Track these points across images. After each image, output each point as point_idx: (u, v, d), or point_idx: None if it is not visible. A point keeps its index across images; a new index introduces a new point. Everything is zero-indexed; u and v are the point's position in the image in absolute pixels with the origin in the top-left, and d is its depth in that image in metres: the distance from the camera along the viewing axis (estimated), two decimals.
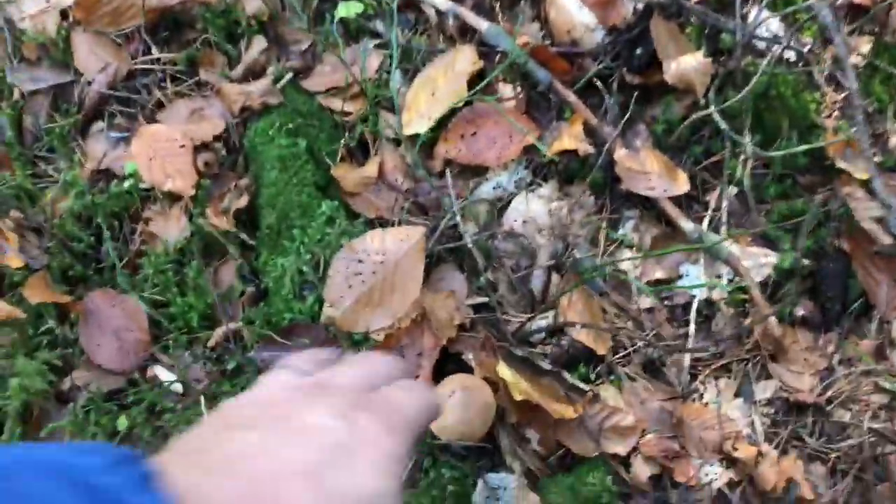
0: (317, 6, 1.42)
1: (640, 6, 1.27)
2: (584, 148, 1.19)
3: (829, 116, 1.32)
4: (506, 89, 1.34)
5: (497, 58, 1.33)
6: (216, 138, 1.26)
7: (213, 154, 1.24)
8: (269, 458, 0.40)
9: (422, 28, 1.39)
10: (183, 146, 1.24)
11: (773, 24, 1.38)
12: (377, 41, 1.42)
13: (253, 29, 1.38)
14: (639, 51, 1.28)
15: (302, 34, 1.41)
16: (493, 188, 1.25)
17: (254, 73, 1.36)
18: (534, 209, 1.23)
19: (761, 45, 1.30)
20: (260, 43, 1.35)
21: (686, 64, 1.25)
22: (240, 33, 1.39)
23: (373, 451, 0.42)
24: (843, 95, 1.33)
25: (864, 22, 1.41)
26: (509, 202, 1.25)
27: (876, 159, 1.28)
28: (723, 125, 1.19)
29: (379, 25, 1.43)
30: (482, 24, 1.29)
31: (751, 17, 1.35)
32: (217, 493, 0.37)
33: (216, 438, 0.42)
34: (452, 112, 1.25)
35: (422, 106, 1.30)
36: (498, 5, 1.41)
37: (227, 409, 0.47)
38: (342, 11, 1.26)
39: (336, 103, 1.31)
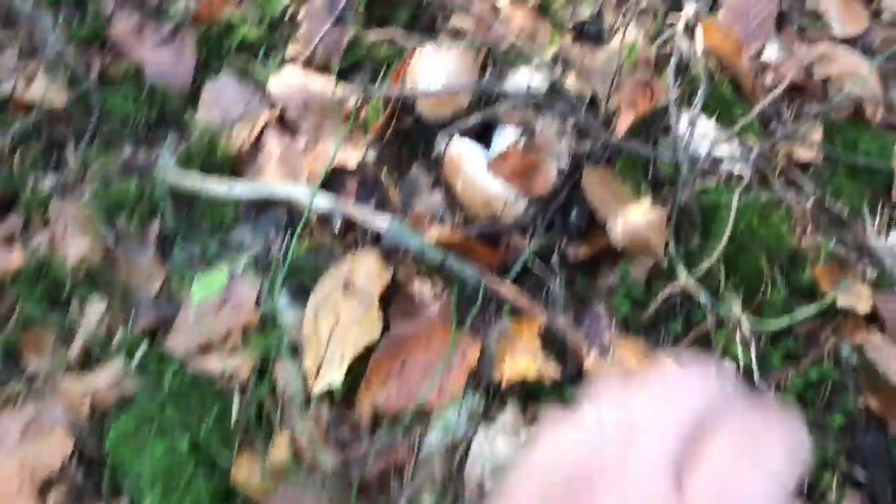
0: (160, 230, 1.15)
1: (564, 164, 1.05)
2: (548, 371, 0.97)
3: (805, 231, 1.15)
4: (424, 290, 1.10)
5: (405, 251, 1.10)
6: (65, 464, 0.96)
7: (66, 487, 0.95)
8: None
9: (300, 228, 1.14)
10: (21, 487, 0.94)
11: (708, 130, 1.20)
12: (247, 255, 1.15)
13: (84, 287, 1.09)
14: (574, 214, 1.07)
15: (149, 271, 1.13)
16: (442, 435, 1.01)
17: (98, 345, 1.07)
18: (501, 450, 0.99)
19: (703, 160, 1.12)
20: (97, 305, 1.07)
21: (634, 219, 1.05)
22: (67, 295, 1.10)
23: None
24: (810, 202, 1.16)
25: (806, 103, 1.25)
26: (467, 448, 1.01)
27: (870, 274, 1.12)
28: (702, 298, 0.99)
29: (245, 235, 1.16)
30: (381, 223, 1.06)
31: (682, 128, 1.17)
32: None
33: None
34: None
35: (326, 345, 1.04)
36: (386, 182, 1.17)
37: None
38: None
39: (213, 364, 1.05)
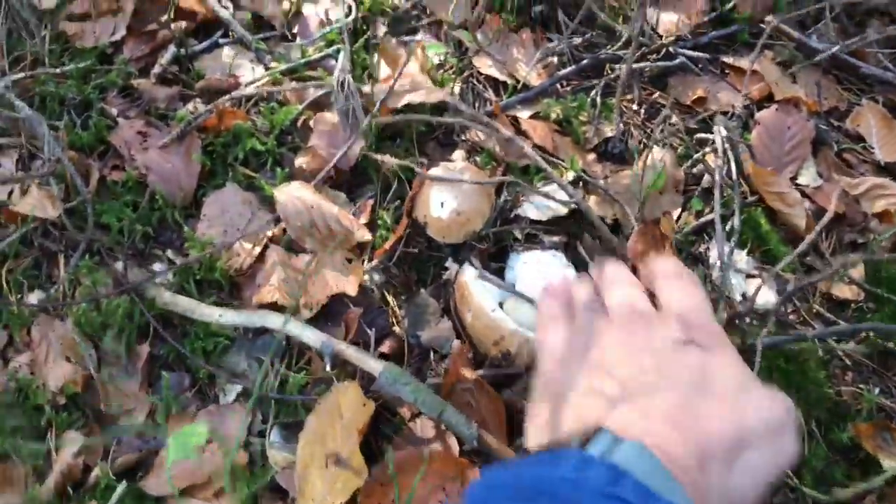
0: (149, 354, 1.11)
1: None
2: None
3: (846, 376, 1.09)
4: (426, 428, 1.05)
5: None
6: None
7: None
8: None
9: (294, 358, 1.11)
10: None
11: (740, 261, 1.15)
12: (238, 386, 1.11)
13: (64, 416, 1.05)
14: None
15: (135, 399, 1.09)
16: None
17: (73, 481, 1.03)
18: None
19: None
20: (74, 442, 1.02)
21: None
22: (45, 425, 1.06)
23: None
24: (850, 346, 1.10)
25: (845, 232, 1.20)
26: None
27: None
28: None
29: (239, 361, 1.12)
30: (374, 366, 1.02)
31: (713, 259, 1.13)
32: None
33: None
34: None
35: (319, 488, 0.99)
36: (392, 300, 1.14)
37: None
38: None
39: None
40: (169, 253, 1.22)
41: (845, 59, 1.35)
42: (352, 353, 1.04)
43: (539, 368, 0.72)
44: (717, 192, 1.10)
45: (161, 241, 1.24)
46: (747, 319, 1.04)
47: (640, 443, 0.54)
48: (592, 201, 1.21)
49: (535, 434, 0.66)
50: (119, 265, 1.16)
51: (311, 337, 1.06)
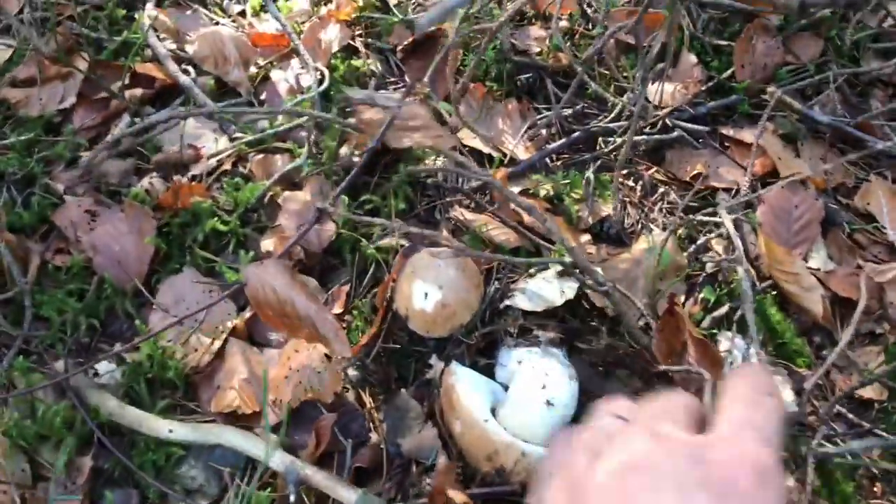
0: (91, 472, 0.98)
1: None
2: None
3: (874, 487, 0.99)
4: None
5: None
6: None
7: None
8: None
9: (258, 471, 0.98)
10: None
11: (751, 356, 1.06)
12: None
13: None
14: None
15: None
16: None
17: None
18: None
19: None
20: None
21: None
22: None
23: None
24: (875, 453, 1.00)
25: (861, 322, 1.11)
26: None
27: None
28: None
29: (196, 475, 0.99)
30: (347, 495, 0.90)
31: (722, 350, 1.03)
32: None
33: None
34: None
35: None
36: (370, 400, 1.03)
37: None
38: None
39: None
40: (117, 347, 1.09)
41: (850, 132, 1.28)
42: (320, 479, 0.92)
43: None
44: (745, 285, 1.01)
45: (109, 333, 1.13)
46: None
47: None
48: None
49: None
50: (59, 364, 1.03)
51: (275, 460, 0.94)
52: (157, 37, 1.38)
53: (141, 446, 1.01)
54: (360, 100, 1.15)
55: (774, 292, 1.14)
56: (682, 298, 1.13)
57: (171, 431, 0.97)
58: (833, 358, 0.97)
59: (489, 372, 1.05)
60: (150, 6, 1.41)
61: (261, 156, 1.25)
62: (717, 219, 1.14)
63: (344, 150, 1.23)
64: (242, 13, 1.48)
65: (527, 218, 1.17)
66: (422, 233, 1.05)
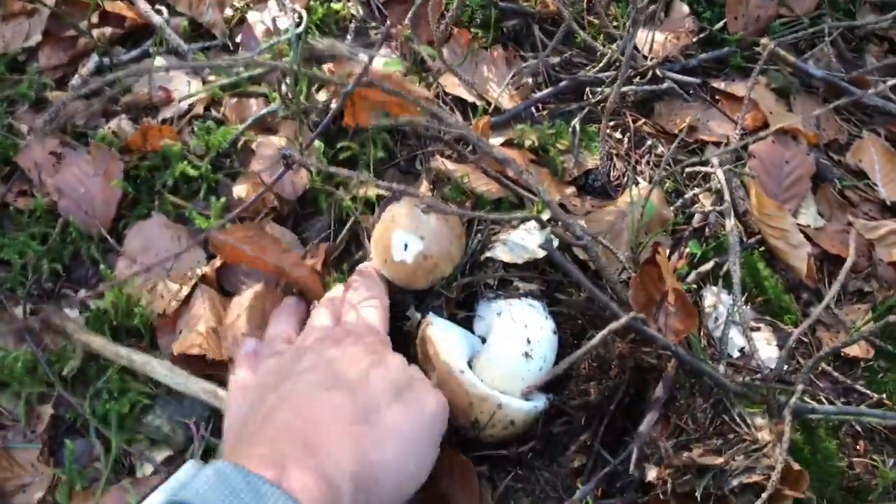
0: (52, 421, 0.94)
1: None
2: None
3: (857, 445, 0.97)
4: None
5: None
6: None
7: None
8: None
9: None
10: None
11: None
12: (159, 455, 0.94)
13: None
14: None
15: (32, 472, 0.92)
16: None
17: None
18: None
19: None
20: None
21: None
22: None
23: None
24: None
25: (849, 279, 1.09)
26: None
27: None
28: None
29: (161, 424, 0.96)
30: None
31: (707, 306, 1.00)
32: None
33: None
34: None
35: None
36: None
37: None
38: None
39: None
40: (82, 293, 1.05)
41: (845, 87, 1.24)
42: None
43: None
44: (732, 236, 0.97)
45: (73, 279, 1.08)
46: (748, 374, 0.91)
47: (227, 462, 0.60)
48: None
49: None
50: (18, 310, 0.98)
51: None
52: None
53: (104, 396, 0.97)
54: (324, 50, 1.10)
55: (762, 248, 1.11)
56: (668, 252, 1.09)
57: (146, 364, 0.93)
58: (817, 315, 0.94)
59: (467, 325, 1.02)
60: None
61: (235, 100, 1.20)
62: (707, 168, 1.10)
63: (322, 96, 1.17)
64: None
65: (509, 169, 1.12)
66: (396, 187, 1.01)
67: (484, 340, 0.98)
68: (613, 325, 0.83)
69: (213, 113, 1.18)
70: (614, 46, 1.21)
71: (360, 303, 0.92)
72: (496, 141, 1.17)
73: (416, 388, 0.81)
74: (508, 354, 0.93)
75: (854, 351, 1.03)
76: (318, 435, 0.68)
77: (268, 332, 0.94)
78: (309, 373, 0.78)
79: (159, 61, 1.20)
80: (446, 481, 0.88)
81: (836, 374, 1.02)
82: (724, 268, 1.07)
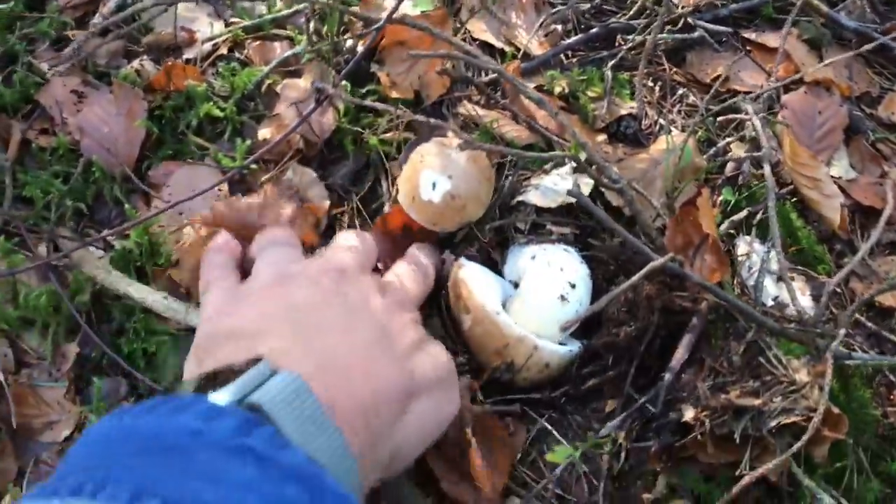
0: (78, 355, 0.93)
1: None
2: None
3: (891, 395, 0.96)
4: None
5: None
6: None
7: None
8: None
9: None
10: None
11: (770, 262, 1.01)
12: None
13: None
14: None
15: (59, 410, 0.91)
16: None
17: None
18: None
19: None
20: None
21: None
22: None
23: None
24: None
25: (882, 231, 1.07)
26: None
27: None
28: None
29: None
30: None
31: (740, 254, 0.99)
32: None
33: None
34: None
35: None
36: None
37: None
38: None
39: None
40: (105, 232, 1.03)
41: (878, 38, 1.22)
42: None
43: (203, 315, 0.78)
44: (770, 183, 0.95)
45: (97, 219, 1.06)
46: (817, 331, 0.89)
47: (296, 374, 0.56)
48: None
49: (193, 366, 0.68)
50: (43, 248, 0.97)
51: None
52: None
53: (130, 335, 0.95)
54: None
55: (794, 199, 1.09)
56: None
57: (165, 298, 0.92)
58: (853, 265, 0.93)
59: (498, 271, 1.00)
60: None
61: (258, 42, 1.17)
62: (741, 115, 1.08)
63: (348, 38, 1.15)
64: None
65: (539, 115, 1.10)
66: (428, 122, 0.99)
67: (516, 286, 0.97)
68: (653, 264, 0.81)
69: (237, 55, 1.16)
70: None
71: (410, 272, 0.89)
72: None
73: (449, 387, 0.77)
74: (544, 298, 0.92)
75: (888, 301, 1.02)
76: (375, 393, 0.65)
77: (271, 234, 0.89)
78: (364, 315, 0.73)
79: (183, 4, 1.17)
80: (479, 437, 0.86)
81: (869, 324, 1.01)
82: (758, 217, 1.05)
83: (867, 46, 1.12)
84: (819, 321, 0.89)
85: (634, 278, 0.81)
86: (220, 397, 0.53)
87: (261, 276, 0.79)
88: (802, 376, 0.84)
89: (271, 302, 0.73)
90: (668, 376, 0.86)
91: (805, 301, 1.01)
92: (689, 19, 1.22)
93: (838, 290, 1.02)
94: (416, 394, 0.70)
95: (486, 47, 1.20)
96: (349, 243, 0.86)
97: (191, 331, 0.91)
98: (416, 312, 0.82)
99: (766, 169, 0.98)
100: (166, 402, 0.50)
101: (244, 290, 0.78)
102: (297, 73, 1.14)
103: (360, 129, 1.07)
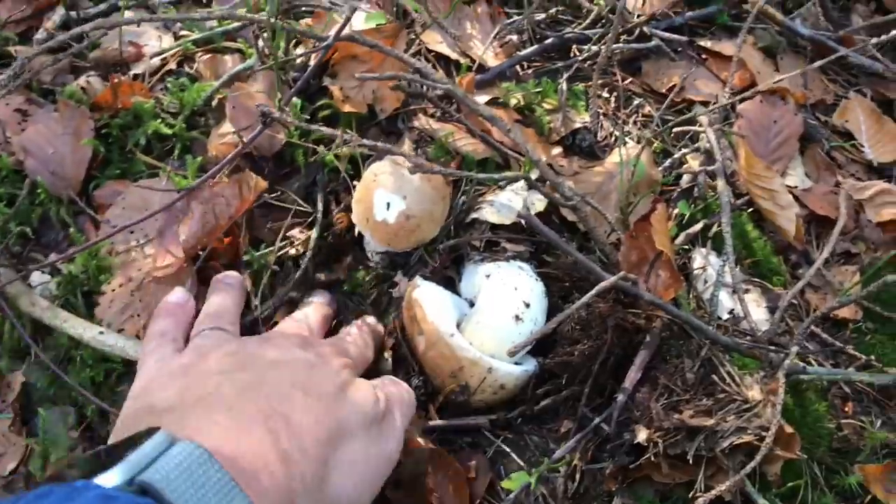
0: (23, 388, 0.91)
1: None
2: None
3: (845, 407, 0.97)
4: None
5: None
6: None
7: None
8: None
9: None
10: None
11: (726, 274, 1.02)
12: None
13: None
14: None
15: (4, 443, 0.89)
16: None
17: None
18: None
19: None
20: None
21: None
22: None
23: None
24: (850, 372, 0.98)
25: (837, 241, 1.08)
26: None
27: None
28: None
29: None
30: None
31: (696, 267, 0.99)
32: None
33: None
34: None
35: None
36: None
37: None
38: None
39: None
40: (52, 257, 1.01)
41: (832, 46, 1.23)
42: None
43: (131, 390, 0.75)
44: (724, 199, 0.95)
45: (43, 242, 1.03)
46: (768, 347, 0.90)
47: (195, 445, 0.53)
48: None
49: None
50: None
51: None
52: None
53: (78, 363, 0.93)
54: (302, 3, 1.06)
55: (750, 209, 1.09)
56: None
57: (101, 333, 0.90)
58: (808, 277, 0.94)
59: (454, 289, 0.99)
60: None
61: (208, 56, 1.15)
62: (696, 128, 1.08)
63: (300, 52, 1.13)
64: None
65: (495, 128, 1.09)
66: (380, 146, 0.97)
67: (471, 304, 0.96)
68: (602, 285, 0.81)
69: (187, 69, 1.14)
70: (602, 2, 1.18)
71: (353, 339, 0.89)
72: (481, 100, 1.14)
73: (386, 425, 0.76)
74: (499, 317, 0.91)
75: (843, 312, 1.03)
76: (290, 440, 0.63)
77: (210, 305, 0.88)
78: (282, 367, 0.73)
79: (129, 15, 1.15)
80: (432, 479, 0.85)
81: (825, 335, 1.01)
82: (714, 229, 1.05)
83: (824, 60, 1.13)
84: (772, 337, 0.89)
85: (584, 298, 0.80)
86: (110, 479, 0.51)
87: (188, 353, 0.78)
88: (755, 394, 0.84)
89: (190, 378, 0.71)
90: (621, 396, 0.85)
91: (760, 314, 1.01)
92: (645, 29, 1.21)
93: (794, 301, 1.02)
94: (342, 438, 0.69)
95: (442, 59, 1.18)
96: (286, 324, 0.88)
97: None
98: (342, 359, 0.80)
99: (720, 184, 0.98)
100: (57, 490, 0.48)
101: (175, 365, 0.76)
102: (248, 87, 1.11)
103: (312, 145, 1.05)
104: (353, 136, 0.87)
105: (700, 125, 1.06)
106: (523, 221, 0.98)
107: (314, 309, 0.93)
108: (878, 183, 1.11)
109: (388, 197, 0.95)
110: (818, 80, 1.25)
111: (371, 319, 0.93)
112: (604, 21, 1.20)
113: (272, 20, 0.93)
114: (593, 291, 0.81)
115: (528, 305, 0.91)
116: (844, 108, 1.23)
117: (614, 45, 1.18)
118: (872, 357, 0.99)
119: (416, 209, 0.95)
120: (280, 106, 0.93)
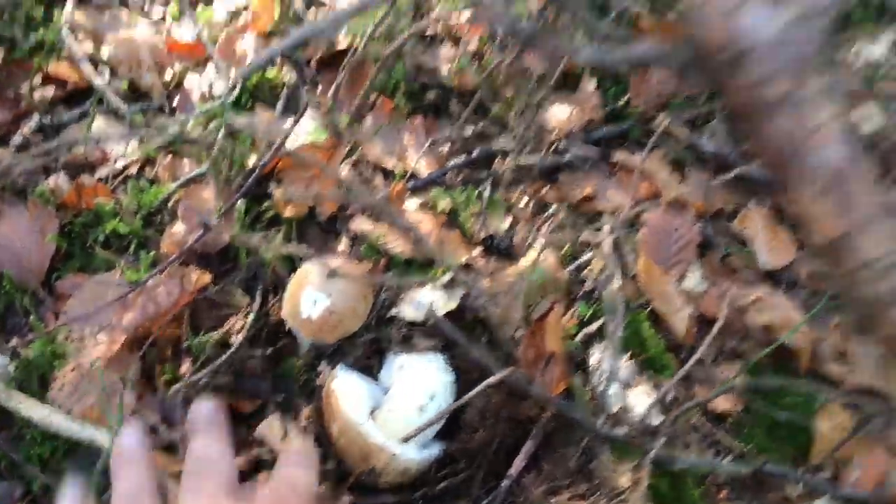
0: None
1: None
2: None
3: (720, 494, 1.07)
4: None
5: None
6: None
7: None
8: None
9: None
10: None
11: (621, 370, 1.13)
12: None
13: None
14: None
15: None
16: None
17: None
18: None
19: None
20: None
21: None
22: None
23: None
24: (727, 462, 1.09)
25: (725, 340, 1.20)
26: None
27: None
28: None
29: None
30: None
31: (593, 364, 1.10)
32: None
33: None
34: None
35: None
36: None
37: None
38: None
39: None
40: (14, 342, 1.12)
41: (733, 160, 1.37)
42: None
43: None
44: (611, 306, 1.08)
45: (8, 327, 1.15)
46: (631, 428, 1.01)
47: None
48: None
49: None
50: None
51: None
52: (75, 38, 1.40)
53: (27, 440, 1.04)
54: (243, 126, 1.20)
55: (649, 308, 1.21)
56: (561, 313, 1.19)
57: (49, 414, 1.00)
58: (686, 369, 1.06)
59: (376, 376, 1.11)
60: (69, 6, 1.44)
61: (169, 158, 1.29)
62: (598, 236, 1.21)
63: (251, 158, 1.27)
64: (164, 18, 1.51)
65: (424, 230, 1.23)
66: (305, 252, 1.10)
67: (386, 392, 1.07)
68: (489, 380, 0.93)
69: (147, 171, 1.27)
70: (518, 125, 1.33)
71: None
72: (414, 203, 1.28)
73: None
74: (406, 407, 1.02)
75: (723, 405, 1.14)
76: None
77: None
78: None
79: (99, 122, 1.29)
80: None
81: (706, 426, 1.12)
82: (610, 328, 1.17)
83: (725, 176, 1.26)
84: (646, 427, 1.00)
85: (471, 393, 0.92)
86: None
87: None
88: (625, 481, 0.95)
89: None
90: (506, 482, 0.96)
91: (650, 405, 1.13)
92: (561, 144, 1.36)
93: (678, 395, 1.13)
94: None
95: (379, 168, 1.33)
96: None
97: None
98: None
99: (610, 289, 1.11)
100: None
101: None
102: (200, 192, 1.25)
103: (252, 245, 1.18)
104: (280, 244, 1.00)
105: (599, 235, 1.19)
106: (442, 314, 1.10)
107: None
108: (759, 290, 1.23)
109: (315, 294, 1.07)
110: (719, 190, 1.39)
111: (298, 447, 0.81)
112: (524, 137, 1.35)
113: (219, 139, 1.07)
114: (480, 386, 0.92)
115: (432, 397, 1.03)
116: (744, 216, 1.37)
117: (533, 159, 1.33)
118: (745, 447, 1.10)
119: (340, 306, 1.07)
120: (220, 214, 1.06)
